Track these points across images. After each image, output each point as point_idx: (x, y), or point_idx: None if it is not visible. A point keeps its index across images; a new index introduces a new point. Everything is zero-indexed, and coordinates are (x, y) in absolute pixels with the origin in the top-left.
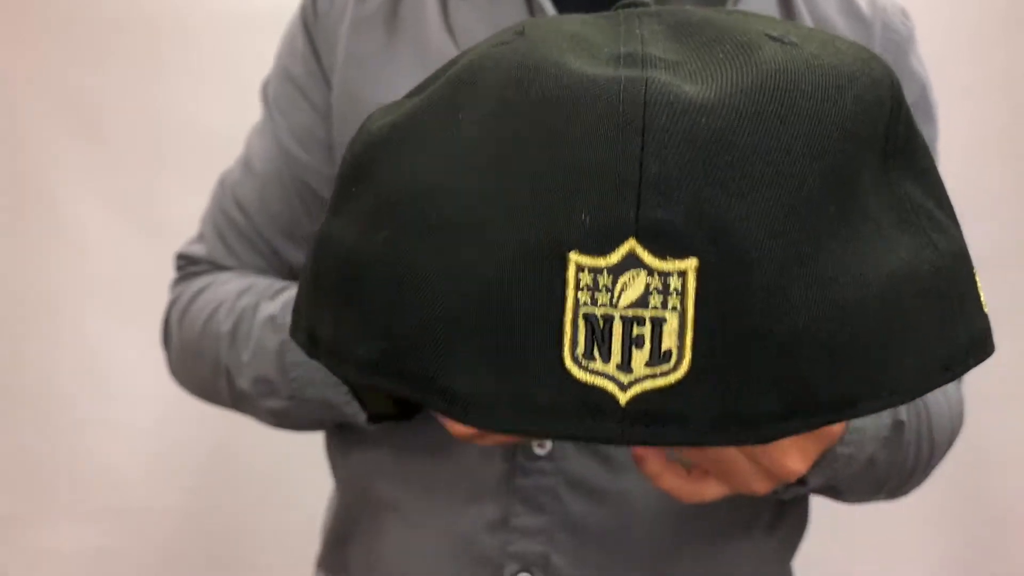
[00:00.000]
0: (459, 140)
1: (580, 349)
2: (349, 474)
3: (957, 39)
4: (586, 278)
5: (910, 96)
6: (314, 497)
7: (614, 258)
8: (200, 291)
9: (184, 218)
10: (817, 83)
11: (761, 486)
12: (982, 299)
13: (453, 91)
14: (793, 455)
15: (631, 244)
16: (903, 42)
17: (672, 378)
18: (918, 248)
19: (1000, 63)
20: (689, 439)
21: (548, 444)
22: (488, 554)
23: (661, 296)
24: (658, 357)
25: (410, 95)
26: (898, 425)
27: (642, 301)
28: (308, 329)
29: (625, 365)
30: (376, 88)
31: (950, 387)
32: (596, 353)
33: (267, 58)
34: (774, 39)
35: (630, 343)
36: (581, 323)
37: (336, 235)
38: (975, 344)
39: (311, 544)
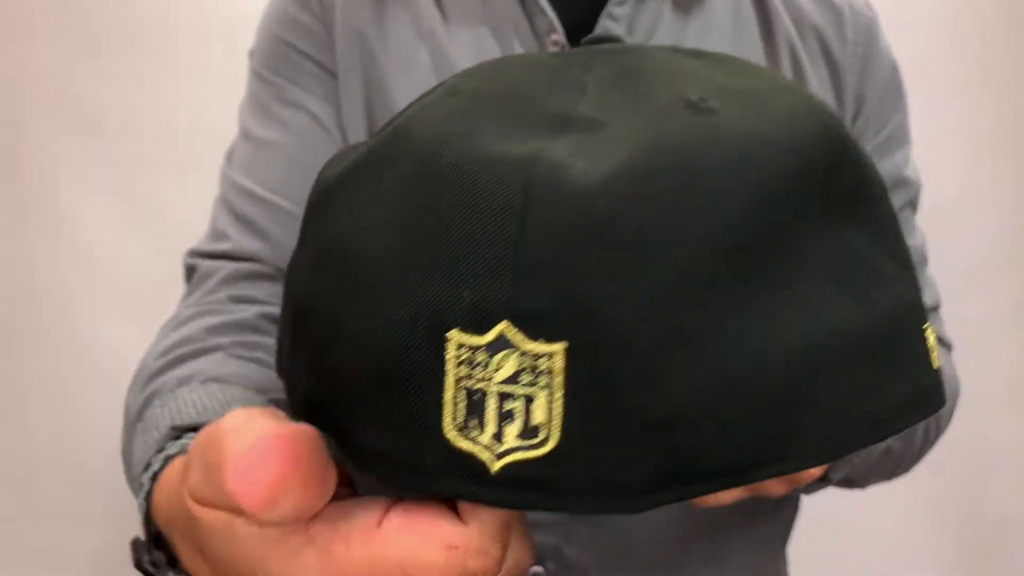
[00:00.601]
0: (380, 202)
1: (460, 419)
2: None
3: (957, 39)
4: (465, 354)
5: (882, 75)
6: None
7: (489, 337)
8: (175, 386)
9: (185, 218)
10: (724, 158)
11: (779, 488)
12: (932, 354)
13: (387, 146)
14: None
15: (504, 326)
16: (871, 24)
17: (541, 451)
18: (852, 308)
19: (999, 63)
20: (559, 506)
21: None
22: None
23: (531, 375)
24: (528, 431)
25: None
26: None
27: (514, 379)
28: (278, 344)
29: (498, 436)
30: (374, 65)
31: (944, 360)
32: (473, 424)
33: None
34: (690, 105)
35: (502, 417)
36: (461, 395)
37: (295, 269)
38: (915, 401)
39: None
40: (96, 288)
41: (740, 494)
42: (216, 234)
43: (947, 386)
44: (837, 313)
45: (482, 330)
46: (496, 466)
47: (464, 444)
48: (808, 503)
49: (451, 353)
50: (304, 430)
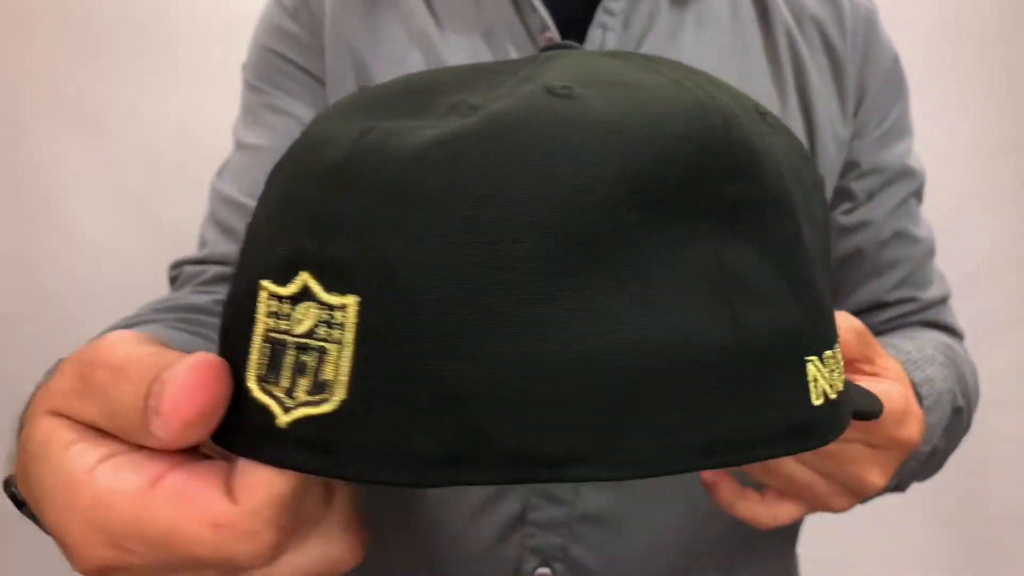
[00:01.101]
0: (270, 183)
1: (262, 370)
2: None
3: (957, 39)
4: (274, 305)
5: (883, 66)
6: None
7: (292, 288)
8: None
9: (184, 218)
10: (559, 136)
11: (841, 503)
12: (811, 389)
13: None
14: (873, 471)
15: (305, 276)
16: (870, 15)
17: (325, 408)
18: (710, 320)
19: (1000, 63)
20: (338, 471)
21: None
22: (505, 553)
23: (327, 328)
24: (316, 386)
25: None
26: (957, 411)
27: (312, 331)
28: None
29: (290, 391)
30: (363, 66)
31: (959, 350)
32: (272, 376)
33: None
34: (551, 91)
35: (297, 370)
36: (266, 347)
37: None
38: (777, 436)
39: None
40: (96, 287)
41: (799, 512)
42: (199, 243)
43: (963, 371)
44: (690, 321)
45: (287, 281)
46: (283, 420)
47: (261, 396)
48: None
49: (262, 304)
50: (228, 382)
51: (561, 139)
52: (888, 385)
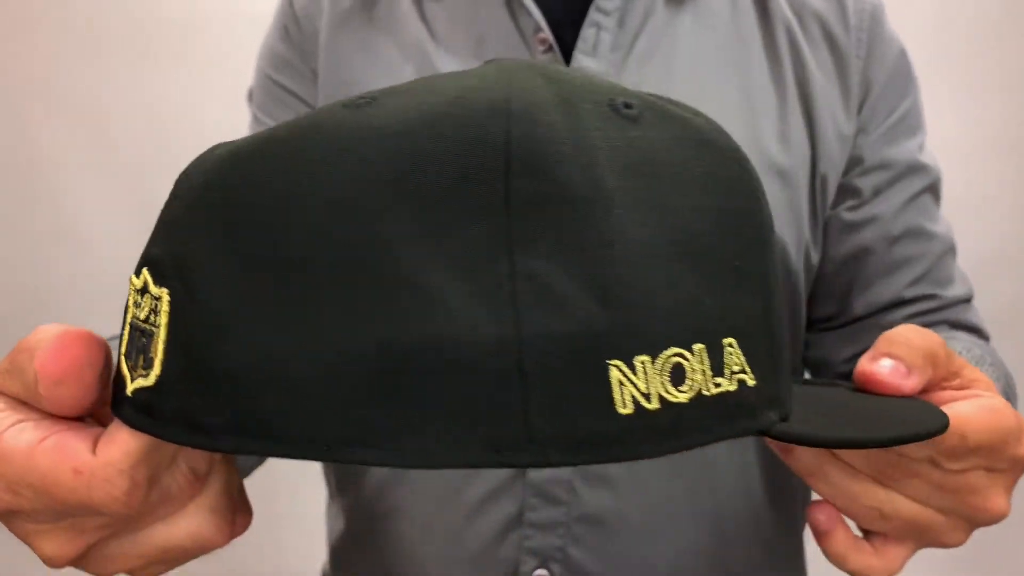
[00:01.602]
0: None
1: (126, 349)
2: (353, 482)
3: (957, 39)
4: (134, 295)
5: (888, 60)
6: (322, 499)
7: (139, 282)
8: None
9: None
10: (335, 141)
11: (959, 538)
12: (615, 395)
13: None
14: (997, 498)
15: (145, 272)
16: (875, 10)
17: (149, 381)
18: (484, 320)
19: (999, 63)
20: (159, 432)
21: None
22: (503, 554)
23: (154, 315)
24: (147, 362)
25: None
26: None
27: (147, 318)
28: None
29: (134, 365)
30: (357, 84)
31: (985, 350)
32: (131, 353)
33: None
34: (349, 104)
35: (139, 349)
36: (129, 329)
37: None
38: (572, 444)
39: (316, 544)
40: (97, 287)
41: (910, 552)
42: None
43: (1006, 371)
44: (463, 320)
45: (139, 276)
46: (130, 389)
47: (123, 368)
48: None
49: (130, 295)
50: (102, 344)
51: (324, 142)
52: (993, 400)
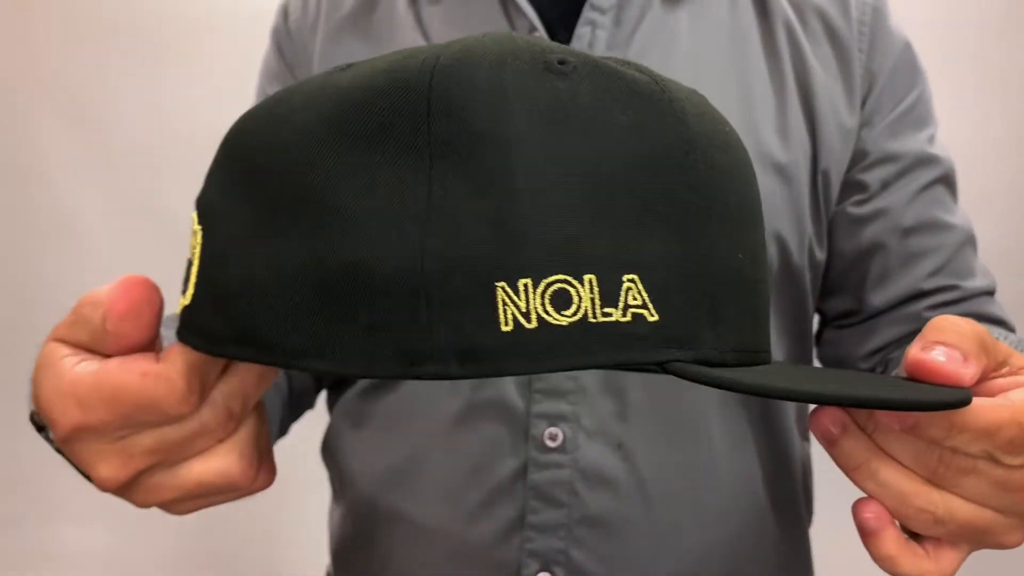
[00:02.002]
0: None
1: (184, 276)
2: (354, 485)
3: (958, 39)
4: (192, 233)
5: (892, 52)
6: (325, 501)
7: (192, 222)
8: None
9: (186, 218)
10: (302, 100)
11: (1017, 538)
12: (500, 314)
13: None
14: None
15: (193, 215)
16: (877, 3)
17: (187, 300)
18: (395, 244)
19: (1000, 63)
20: (186, 341)
21: (560, 436)
22: (505, 556)
23: (194, 249)
24: (186, 287)
25: None
26: None
27: (192, 249)
28: None
29: (184, 290)
30: None
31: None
32: (185, 280)
33: None
34: (335, 69)
35: (187, 277)
36: (186, 260)
37: None
38: (472, 352)
39: (318, 546)
40: (97, 286)
41: (963, 556)
42: None
43: None
44: (377, 245)
45: (192, 219)
46: (179, 309)
47: (182, 297)
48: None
49: (191, 235)
50: (157, 289)
51: (299, 100)
52: None
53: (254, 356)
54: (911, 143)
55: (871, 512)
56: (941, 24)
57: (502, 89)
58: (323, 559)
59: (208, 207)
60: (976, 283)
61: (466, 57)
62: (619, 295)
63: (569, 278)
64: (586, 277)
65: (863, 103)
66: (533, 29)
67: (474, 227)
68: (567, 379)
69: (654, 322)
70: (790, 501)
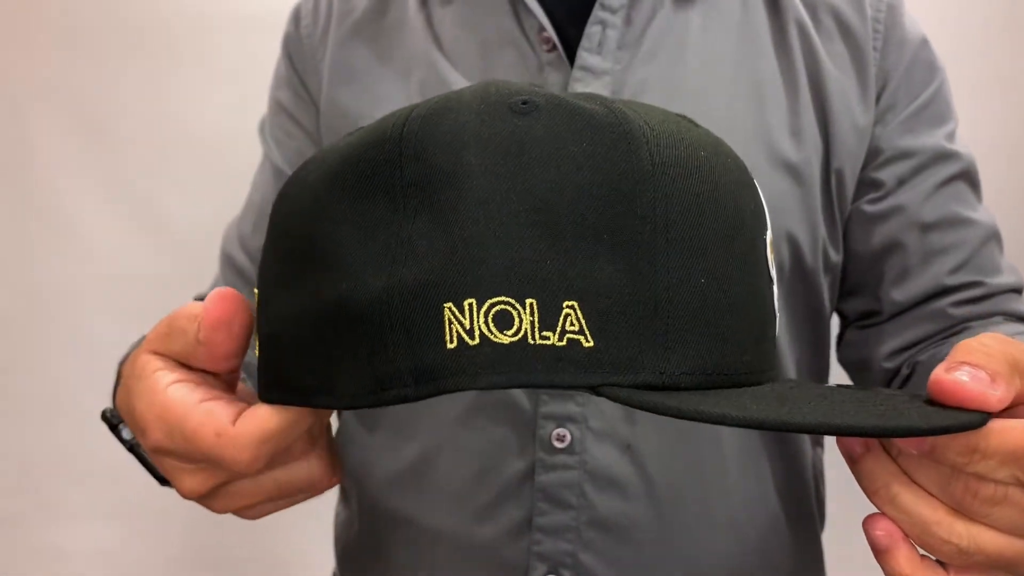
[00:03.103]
0: None
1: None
2: (361, 486)
3: (960, 39)
4: None
5: (907, 49)
6: (328, 501)
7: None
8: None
9: (186, 218)
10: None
11: None
12: (446, 332)
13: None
14: None
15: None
16: (894, 2)
17: (256, 351)
18: (370, 276)
19: (1000, 63)
20: (263, 396)
21: (568, 437)
22: (513, 558)
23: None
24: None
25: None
26: None
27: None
28: None
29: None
30: (364, 101)
31: None
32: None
33: (270, 59)
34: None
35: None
36: None
37: None
38: (416, 376)
39: (325, 548)
40: (97, 286)
41: None
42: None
43: None
44: (359, 280)
45: None
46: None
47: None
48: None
49: None
50: (248, 304)
51: (314, 163)
52: None
53: (285, 398)
54: (928, 139)
55: (882, 529)
56: (942, 24)
57: (461, 130)
58: (329, 560)
59: (261, 265)
60: (1002, 280)
61: (439, 106)
62: (557, 321)
63: (512, 300)
64: (528, 301)
65: (877, 100)
66: (542, 29)
67: (433, 256)
68: None
69: (589, 348)
70: (802, 505)
